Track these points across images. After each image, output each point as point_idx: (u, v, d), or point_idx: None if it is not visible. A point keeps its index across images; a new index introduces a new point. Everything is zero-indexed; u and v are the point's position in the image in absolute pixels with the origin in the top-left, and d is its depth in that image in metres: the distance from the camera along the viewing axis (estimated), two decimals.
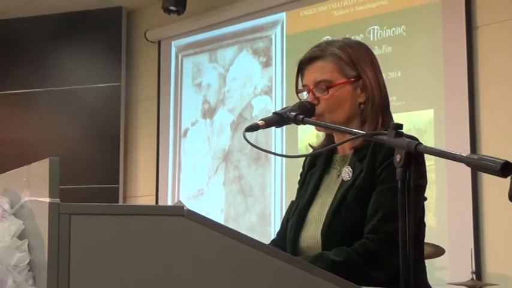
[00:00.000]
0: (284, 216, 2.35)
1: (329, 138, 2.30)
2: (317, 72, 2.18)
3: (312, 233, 2.14)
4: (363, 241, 2.00)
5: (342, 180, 2.15)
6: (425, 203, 2.11)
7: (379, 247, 1.97)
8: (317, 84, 2.17)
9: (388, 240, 1.94)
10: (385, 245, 1.95)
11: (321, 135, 2.34)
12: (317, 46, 2.24)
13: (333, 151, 2.27)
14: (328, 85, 2.16)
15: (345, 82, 2.17)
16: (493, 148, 4.41)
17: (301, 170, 2.40)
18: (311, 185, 2.25)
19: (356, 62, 2.18)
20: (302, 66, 2.24)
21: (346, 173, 2.15)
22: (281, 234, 2.31)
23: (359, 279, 1.79)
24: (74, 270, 1.36)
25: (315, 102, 2.16)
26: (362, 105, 2.18)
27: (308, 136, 2.42)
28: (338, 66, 2.17)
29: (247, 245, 1.49)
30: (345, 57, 2.17)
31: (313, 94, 2.17)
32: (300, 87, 2.26)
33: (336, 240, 2.04)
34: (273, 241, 2.32)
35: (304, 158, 2.41)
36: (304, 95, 2.24)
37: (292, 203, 2.32)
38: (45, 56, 6.86)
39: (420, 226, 2.12)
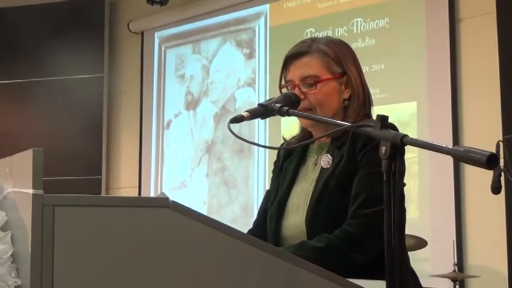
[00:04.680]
0: (261, 205, 2.35)
1: (305, 131, 2.31)
2: (304, 67, 2.20)
3: (295, 222, 2.16)
4: (344, 227, 2.03)
5: (322, 167, 2.17)
6: (407, 195, 2.13)
7: (359, 231, 2.00)
8: (304, 79, 2.19)
9: (369, 223, 1.98)
10: (366, 228, 1.99)
11: (299, 127, 2.34)
12: (303, 42, 2.27)
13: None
14: (316, 80, 2.17)
15: (331, 78, 2.19)
16: (475, 140, 4.42)
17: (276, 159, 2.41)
18: (288, 175, 2.26)
19: (341, 59, 2.21)
20: (288, 62, 2.25)
21: (326, 160, 2.17)
22: (258, 223, 2.31)
23: (342, 264, 1.86)
24: (57, 261, 1.35)
25: (302, 97, 2.17)
26: (346, 101, 2.21)
27: (291, 128, 2.42)
28: (324, 62, 2.20)
29: (232, 237, 1.49)
30: (331, 53, 2.21)
31: (300, 89, 2.18)
32: (283, 83, 2.27)
33: (321, 228, 2.06)
34: (250, 231, 2.32)
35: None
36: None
37: (269, 192, 2.33)
38: (27, 47, 6.78)
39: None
